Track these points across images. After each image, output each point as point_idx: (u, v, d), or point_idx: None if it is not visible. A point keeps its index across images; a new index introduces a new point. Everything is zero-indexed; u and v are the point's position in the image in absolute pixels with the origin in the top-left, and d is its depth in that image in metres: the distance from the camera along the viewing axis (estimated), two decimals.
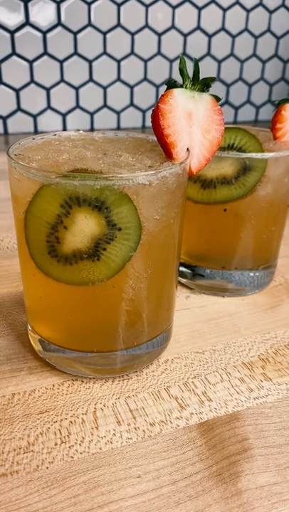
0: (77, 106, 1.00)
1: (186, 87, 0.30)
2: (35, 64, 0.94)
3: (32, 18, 0.90)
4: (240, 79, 1.12)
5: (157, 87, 1.06)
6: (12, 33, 0.90)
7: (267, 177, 0.38)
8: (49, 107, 0.98)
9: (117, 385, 0.32)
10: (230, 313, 0.40)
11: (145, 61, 1.02)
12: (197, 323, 0.38)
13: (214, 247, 0.42)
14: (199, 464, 0.26)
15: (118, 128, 1.06)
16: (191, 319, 0.39)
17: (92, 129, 1.03)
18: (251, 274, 0.42)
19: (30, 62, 0.93)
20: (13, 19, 0.89)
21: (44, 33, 0.92)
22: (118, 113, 1.05)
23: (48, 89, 0.96)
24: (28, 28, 0.90)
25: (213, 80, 0.30)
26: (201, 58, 1.06)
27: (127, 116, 1.06)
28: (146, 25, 0.99)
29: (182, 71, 0.30)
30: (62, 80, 0.97)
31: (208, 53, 1.07)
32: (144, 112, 1.07)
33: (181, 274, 0.43)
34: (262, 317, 0.39)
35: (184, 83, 0.30)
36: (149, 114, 1.09)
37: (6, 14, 0.88)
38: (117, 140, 0.34)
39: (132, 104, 1.05)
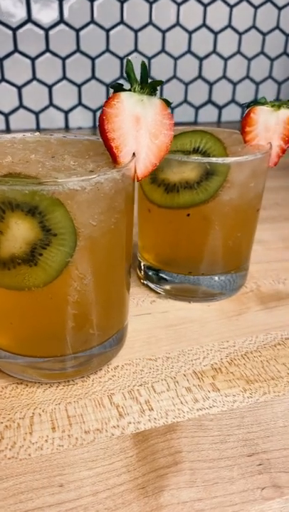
0: (80, 103, 1.00)
1: (134, 91, 0.30)
2: (37, 61, 0.94)
3: (34, 16, 0.90)
4: (247, 77, 1.10)
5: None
6: (14, 30, 0.90)
7: (230, 182, 0.37)
8: (51, 104, 0.98)
9: (61, 390, 0.31)
10: (193, 320, 0.39)
11: (149, 58, 1.01)
12: (156, 329, 0.38)
13: (179, 251, 0.41)
14: (125, 476, 0.26)
15: None
16: (150, 325, 0.38)
17: (94, 127, 1.03)
18: (219, 280, 0.41)
19: (33, 60, 0.94)
20: (16, 16, 0.90)
21: (46, 30, 0.92)
22: None
23: (50, 87, 0.97)
24: (30, 25, 0.91)
25: (160, 83, 0.30)
26: (207, 56, 1.05)
27: None
28: (150, 22, 0.98)
29: (129, 74, 0.29)
30: (64, 77, 0.97)
31: (214, 51, 1.05)
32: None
33: (149, 278, 0.43)
34: (224, 324, 0.39)
35: (132, 86, 0.30)
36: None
37: (8, 11, 0.89)
38: (71, 142, 0.34)
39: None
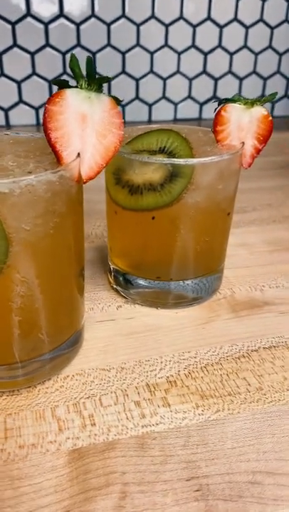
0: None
1: (81, 87, 0.28)
2: (36, 56, 0.93)
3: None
4: (254, 72, 1.07)
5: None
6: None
7: (195, 184, 0.35)
8: None
9: (4, 400, 0.30)
10: (158, 328, 0.37)
11: (151, 53, 0.99)
12: (116, 337, 0.36)
13: (146, 256, 0.39)
14: (51, 497, 0.24)
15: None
16: (111, 332, 0.37)
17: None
18: (189, 286, 0.40)
19: (32, 54, 0.92)
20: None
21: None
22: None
23: (50, 82, 0.96)
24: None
25: (107, 79, 0.28)
26: (212, 50, 1.02)
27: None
28: (153, 16, 0.96)
29: (74, 70, 0.28)
30: (65, 72, 0.96)
31: (220, 45, 1.02)
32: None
33: (118, 283, 0.41)
34: (189, 333, 0.37)
35: (78, 83, 0.28)
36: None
37: (8, 4, 0.88)
38: (25, 141, 0.32)
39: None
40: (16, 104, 0.96)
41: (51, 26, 0.91)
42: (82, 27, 0.93)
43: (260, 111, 0.37)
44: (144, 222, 0.37)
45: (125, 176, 0.36)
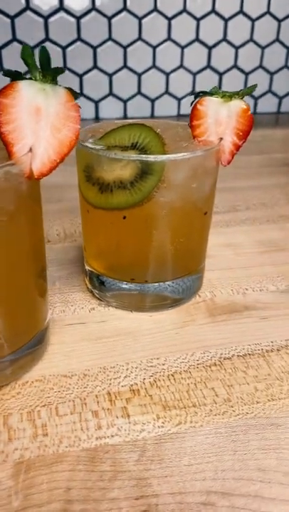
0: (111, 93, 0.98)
1: (35, 79, 0.26)
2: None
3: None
4: (261, 67, 1.04)
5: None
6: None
7: (166, 182, 0.33)
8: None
9: None
10: (128, 332, 0.36)
11: (154, 47, 0.97)
12: (84, 342, 0.35)
13: (119, 257, 0.37)
14: None
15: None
16: (80, 336, 0.35)
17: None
18: (164, 289, 0.38)
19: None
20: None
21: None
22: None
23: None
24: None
25: (62, 71, 0.26)
26: (217, 44, 1.00)
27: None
28: (155, 9, 0.94)
29: (26, 61, 0.26)
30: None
31: (224, 39, 1.00)
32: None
33: (92, 285, 0.40)
34: (161, 339, 0.35)
35: (32, 74, 0.27)
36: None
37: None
38: None
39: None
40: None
41: (51, 20, 0.90)
42: (83, 20, 0.91)
43: (239, 105, 0.35)
44: (116, 222, 0.35)
45: (95, 173, 0.34)
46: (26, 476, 0.25)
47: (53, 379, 0.31)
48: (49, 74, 0.26)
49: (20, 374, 0.31)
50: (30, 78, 0.27)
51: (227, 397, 0.30)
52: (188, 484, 0.24)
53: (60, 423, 0.28)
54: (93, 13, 0.91)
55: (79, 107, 0.27)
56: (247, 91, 0.34)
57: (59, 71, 0.26)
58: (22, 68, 0.27)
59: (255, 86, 0.34)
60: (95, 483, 0.24)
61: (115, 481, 0.25)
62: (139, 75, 0.99)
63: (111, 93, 0.99)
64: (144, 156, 0.32)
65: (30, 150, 0.26)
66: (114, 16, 0.92)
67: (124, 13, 0.92)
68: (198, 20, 0.96)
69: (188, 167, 0.33)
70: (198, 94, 0.35)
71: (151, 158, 0.32)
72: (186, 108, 1.03)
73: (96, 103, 0.99)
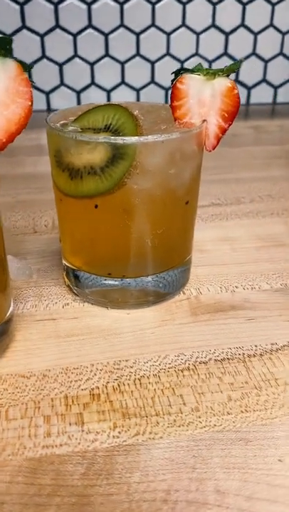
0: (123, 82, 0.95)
1: None
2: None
3: None
4: (281, 54, 0.99)
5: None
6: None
7: (139, 168, 0.30)
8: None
9: None
10: (100, 330, 0.33)
11: (168, 34, 0.93)
12: (51, 339, 0.32)
13: (94, 250, 0.35)
14: None
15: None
16: (48, 333, 0.33)
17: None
18: (144, 284, 0.35)
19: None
20: None
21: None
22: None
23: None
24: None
25: (9, 41, 0.24)
26: (234, 30, 0.95)
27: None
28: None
29: None
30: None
31: (242, 24, 0.95)
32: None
33: (69, 279, 0.37)
34: (134, 339, 0.32)
35: None
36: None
37: None
38: None
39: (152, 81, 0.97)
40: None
41: (61, 6, 0.87)
42: (94, 6, 0.89)
43: (224, 83, 0.31)
44: (88, 212, 0.32)
45: (65, 158, 0.32)
46: None
47: (9, 379, 0.29)
48: None
49: None
50: None
51: (195, 406, 0.27)
52: (135, 505, 0.22)
53: (7, 428, 0.25)
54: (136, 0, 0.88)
55: (31, 81, 0.25)
56: (232, 67, 0.31)
57: (7, 41, 0.24)
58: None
59: (240, 62, 0.31)
60: (31, 498, 0.22)
61: (54, 496, 0.22)
62: (153, 63, 0.95)
63: (123, 82, 0.96)
64: (112, 137, 0.29)
65: None
66: (125, 2, 0.89)
67: (135, 0, 0.89)
68: (214, 4, 0.92)
69: (164, 151, 0.30)
70: (180, 72, 0.32)
71: (119, 140, 0.29)
72: None
73: (108, 92, 0.96)
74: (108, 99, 0.96)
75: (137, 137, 0.29)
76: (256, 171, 0.64)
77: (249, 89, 1.01)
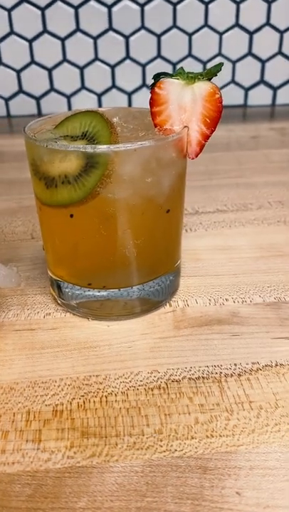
0: (113, 85, 0.95)
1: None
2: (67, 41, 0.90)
3: None
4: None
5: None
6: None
7: (113, 176, 0.29)
8: (83, 87, 0.94)
9: None
10: (77, 343, 0.32)
11: (189, 35, 0.92)
12: (25, 350, 0.32)
13: (73, 259, 0.34)
14: None
15: None
16: (22, 344, 0.32)
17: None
18: (125, 296, 0.34)
19: (63, 40, 0.90)
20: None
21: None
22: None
23: (81, 68, 0.92)
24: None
25: None
26: (259, 29, 0.92)
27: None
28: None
29: None
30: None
31: (268, 23, 0.92)
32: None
33: (53, 288, 0.37)
34: (109, 352, 0.31)
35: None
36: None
37: None
38: None
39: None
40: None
41: (81, 10, 0.88)
42: (114, 9, 0.88)
43: (204, 87, 0.30)
44: (64, 221, 0.32)
45: (40, 167, 0.31)
46: None
47: None
48: None
49: None
50: None
51: (159, 428, 0.26)
52: None
53: None
54: (125, 0, 0.88)
55: None
56: (211, 71, 0.29)
57: None
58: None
59: (220, 65, 0.29)
60: None
61: None
62: (174, 65, 0.94)
63: (144, 84, 0.95)
64: (81, 146, 0.28)
65: None
66: (145, 3, 0.88)
67: (158, 1, 0.88)
68: (237, 3, 0.90)
69: (138, 159, 0.29)
70: (159, 76, 0.31)
71: (89, 148, 0.28)
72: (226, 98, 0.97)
73: (129, 95, 0.96)
74: (129, 101, 0.96)
75: (107, 146, 0.28)
76: (270, 175, 0.62)
77: (275, 89, 0.98)
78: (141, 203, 0.31)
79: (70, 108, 0.95)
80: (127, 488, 0.23)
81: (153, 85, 0.31)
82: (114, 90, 0.95)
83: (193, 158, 0.32)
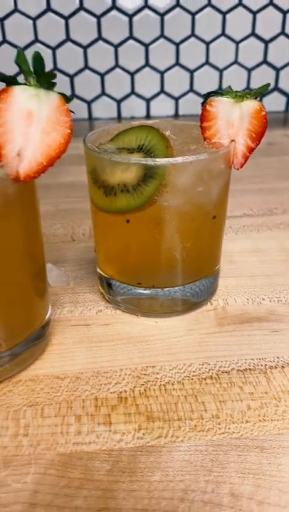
0: (162, 90, 0.98)
1: (29, 84, 0.27)
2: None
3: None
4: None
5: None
6: (99, 17, 0.90)
7: (170, 186, 0.32)
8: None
9: None
10: (130, 337, 0.35)
11: (207, 43, 0.95)
12: (84, 344, 0.35)
13: (126, 261, 0.37)
14: None
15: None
16: (81, 338, 0.35)
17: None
18: (172, 294, 0.37)
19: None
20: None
21: (98, 18, 0.91)
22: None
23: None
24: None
25: (53, 76, 0.26)
26: (274, 38, 0.95)
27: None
28: (209, 4, 0.91)
29: (21, 67, 0.26)
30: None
31: (283, 32, 0.95)
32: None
33: (102, 287, 0.40)
34: (161, 346, 0.34)
35: (26, 79, 0.27)
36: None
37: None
38: None
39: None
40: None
41: (103, 19, 0.91)
42: (135, 18, 0.91)
43: (251, 105, 0.33)
44: (120, 226, 0.35)
45: (100, 176, 0.34)
46: None
47: (45, 379, 0.31)
48: (43, 79, 0.26)
49: (16, 372, 0.32)
50: (25, 83, 0.27)
51: (216, 413, 0.29)
52: (154, 502, 0.24)
53: (42, 424, 0.28)
54: (146, 10, 0.91)
55: (71, 111, 0.27)
56: (259, 91, 0.32)
57: (51, 76, 0.26)
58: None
59: (267, 85, 0.32)
60: (61, 490, 0.24)
61: (82, 489, 0.24)
62: (192, 72, 0.97)
63: (162, 91, 0.98)
64: (142, 159, 0.31)
65: (19, 153, 0.27)
66: (166, 13, 0.91)
67: (177, 10, 0.91)
68: (254, 13, 0.93)
69: (192, 171, 0.32)
70: (209, 95, 0.34)
71: (150, 161, 0.31)
72: None
73: (148, 101, 0.98)
74: (148, 108, 0.99)
75: (167, 159, 0.31)
76: None
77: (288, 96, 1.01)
78: (191, 210, 0.34)
79: (90, 113, 0.98)
80: (194, 464, 0.25)
81: (204, 103, 0.34)
82: (133, 96, 0.98)
83: (238, 169, 0.35)
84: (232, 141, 0.34)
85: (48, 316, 0.34)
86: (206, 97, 0.34)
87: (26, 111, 0.27)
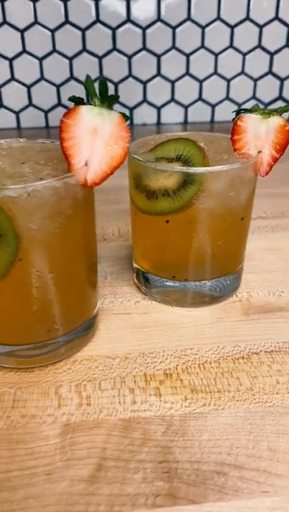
0: (145, 100, 1.03)
1: (94, 104, 0.31)
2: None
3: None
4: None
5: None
6: (84, 30, 0.95)
7: (206, 191, 0.37)
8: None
9: (18, 375, 0.34)
10: (167, 324, 0.40)
11: (216, 54, 1.00)
12: (128, 329, 0.39)
13: (162, 256, 0.42)
14: (39, 461, 0.28)
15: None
16: (124, 324, 0.40)
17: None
18: (202, 287, 0.41)
19: (100, 58, 0.97)
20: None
21: (113, 30, 0.95)
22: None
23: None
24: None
25: (116, 98, 0.31)
26: (279, 50, 1.01)
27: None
28: (219, 18, 0.97)
29: (88, 90, 0.31)
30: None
31: (288, 45, 1.00)
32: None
33: (138, 280, 0.44)
34: (196, 332, 0.39)
35: (92, 100, 0.31)
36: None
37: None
38: (51, 149, 0.36)
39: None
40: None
41: (118, 31, 0.96)
42: (149, 31, 0.96)
43: (277, 121, 0.38)
44: (159, 225, 0.39)
45: (143, 182, 0.39)
46: (71, 436, 0.30)
47: (98, 359, 0.36)
48: (106, 101, 0.31)
49: (72, 353, 0.36)
50: (90, 104, 0.31)
51: (250, 386, 0.33)
52: (206, 455, 0.28)
53: (101, 396, 0.33)
54: (158, 23, 0.96)
55: (129, 128, 0.32)
56: (285, 108, 0.37)
57: (114, 98, 0.31)
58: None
59: None
60: (126, 447, 0.29)
61: (143, 446, 0.29)
62: (201, 82, 1.02)
63: (173, 99, 1.03)
64: (185, 168, 0.36)
65: (86, 163, 0.31)
66: (178, 26, 0.96)
67: (188, 23, 0.96)
68: (261, 27, 0.98)
69: (227, 178, 0.37)
70: (240, 112, 0.38)
71: (192, 170, 0.36)
72: None
73: (158, 109, 1.03)
74: (158, 115, 1.04)
75: (205, 167, 0.36)
76: None
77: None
78: (223, 212, 0.38)
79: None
80: (235, 427, 0.30)
81: (235, 118, 0.38)
82: (144, 104, 1.03)
83: (263, 176, 0.40)
84: (259, 152, 0.39)
85: (98, 306, 0.39)
86: (237, 113, 0.38)
87: (92, 127, 0.31)
